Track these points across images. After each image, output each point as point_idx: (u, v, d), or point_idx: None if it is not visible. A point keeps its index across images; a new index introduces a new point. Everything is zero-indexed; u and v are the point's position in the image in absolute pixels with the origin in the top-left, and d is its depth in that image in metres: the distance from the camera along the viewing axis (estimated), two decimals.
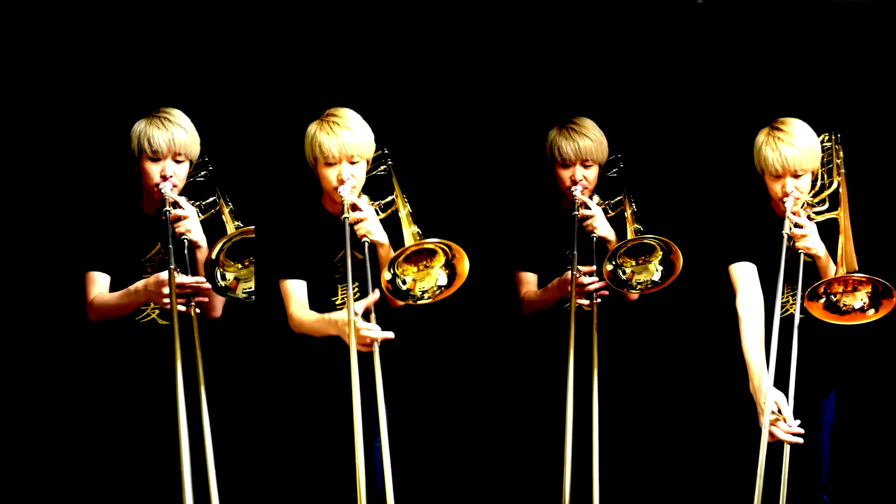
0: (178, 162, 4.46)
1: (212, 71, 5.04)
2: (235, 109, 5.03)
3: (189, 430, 4.19)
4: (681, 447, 5.21)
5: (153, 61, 5.00)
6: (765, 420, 4.39)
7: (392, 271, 4.35)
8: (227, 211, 4.47)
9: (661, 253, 4.65)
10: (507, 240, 4.94)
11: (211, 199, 4.53)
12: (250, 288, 4.34)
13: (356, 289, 4.41)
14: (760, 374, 4.44)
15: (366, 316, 4.37)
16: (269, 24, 5.09)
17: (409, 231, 4.41)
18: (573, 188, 4.82)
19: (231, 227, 4.39)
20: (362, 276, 4.40)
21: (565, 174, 4.85)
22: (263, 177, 5.01)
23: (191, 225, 4.40)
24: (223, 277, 4.30)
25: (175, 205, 4.40)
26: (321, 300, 4.53)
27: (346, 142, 4.44)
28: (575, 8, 5.21)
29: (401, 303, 4.45)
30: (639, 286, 4.70)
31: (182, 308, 4.31)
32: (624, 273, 4.69)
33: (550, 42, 5.22)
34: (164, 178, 4.43)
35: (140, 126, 4.48)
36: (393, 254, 4.39)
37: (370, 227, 4.43)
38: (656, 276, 4.68)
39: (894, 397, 5.26)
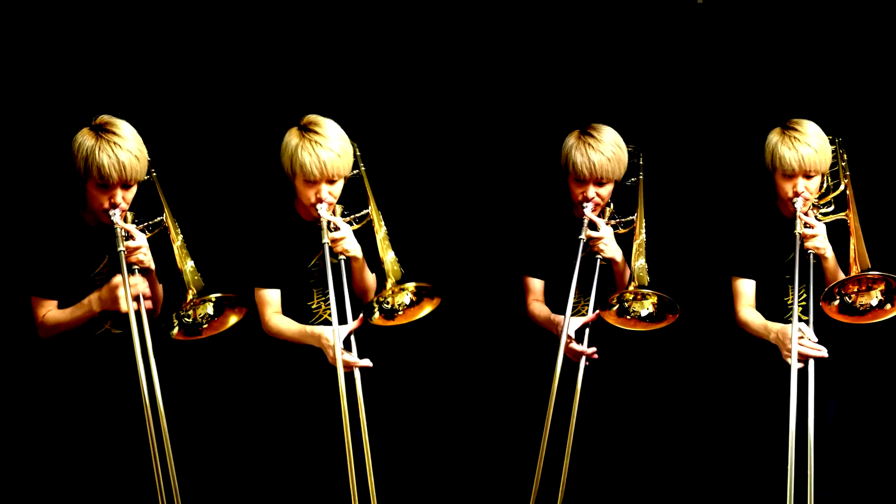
0: (126, 188, 4.32)
1: (179, 75, 5.02)
2: (207, 115, 5.02)
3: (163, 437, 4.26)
4: (684, 447, 5.24)
5: (118, 68, 4.97)
6: (793, 348, 4.49)
7: (375, 306, 4.47)
8: (174, 230, 4.44)
9: (656, 299, 4.58)
10: (517, 244, 4.83)
11: (158, 219, 4.44)
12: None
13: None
14: (769, 324, 4.60)
15: (346, 340, 4.46)
16: (260, 25, 5.09)
17: (387, 261, 4.49)
18: (584, 205, 4.66)
19: (177, 242, 4.40)
20: (338, 285, 4.47)
21: (577, 190, 4.68)
22: (236, 183, 5.01)
23: (143, 256, 4.33)
24: (196, 317, 4.37)
25: (128, 237, 4.30)
26: (297, 305, 4.58)
27: (327, 163, 4.44)
28: (575, 8, 5.20)
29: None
30: (633, 314, 4.60)
31: (135, 307, 4.27)
32: (626, 303, 4.60)
33: (550, 42, 5.21)
34: (114, 205, 4.31)
35: (87, 145, 4.27)
36: (367, 274, 4.54)
37: (347, 245, 4.48)
38: (644, 312, 4.60)
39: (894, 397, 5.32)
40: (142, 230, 4.35)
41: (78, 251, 4.39)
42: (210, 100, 5.04)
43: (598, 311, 4.54)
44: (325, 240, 4.42)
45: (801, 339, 4.51)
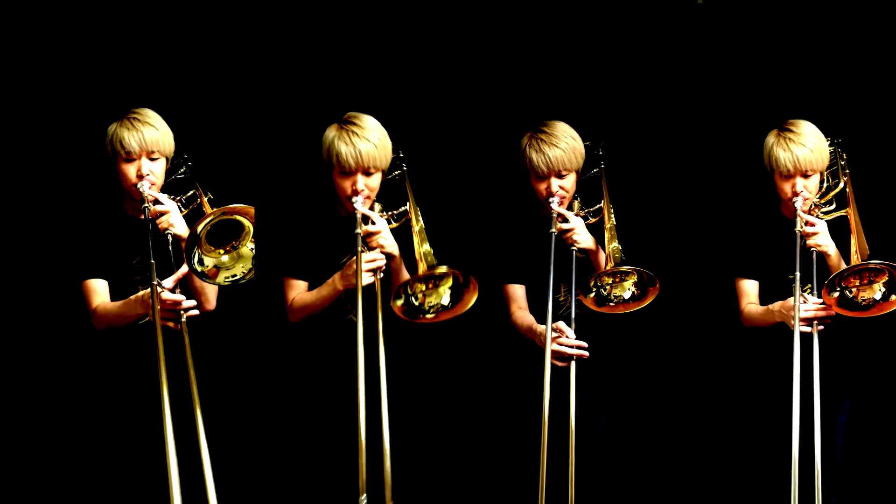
0: (152, 160, 4.47)
1: (228, 70, 5.10)
2: (255, 108, 5.09)
3: (182, 430, 4.27)
4: (688, 448, 5.22)
5: (154, 64, 5.06)
6: (795, 314, 4.52)
7: (403, 295, 4.41)
8: (206, 201, 4.46)
9: (636, 277, 4.56)
10: (492, 252, 4.80)
11: (191, 192, 4.52)
12: (234, 276, 4.35)
13: None
14: (769, 306, 4.63)
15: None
16: (275, 26, 5.13)
17: (421, 251, 4.45)
18: (550, 200, 4.65)
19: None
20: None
21: (541, 186, 4.67)
22: (282, 178, 5.06)
23: (173, 219, 4.40)
24: (201, 262, 4.31)
25: (155, 202, 4.41)
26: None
27: (363, 152, 4.48)
28: (575, 8, 5.20)
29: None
30: (616, 299, 4.58)
31: (171, 324, 4.36)
32: (604, 290, 4.58)
33: (549, 42, 5.21)
34: (141, 176, 4.44)
35: (111, 129, 4.49)
36: (403, 274, 4.49)
37: (382, 240, 4.48)
38: (626, 294, 4.58)
39: None
40: (176, 202, 4.45)
41: (120, 239, 4.51)
42: (265, 102, 5.13)
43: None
44: (359, 230, 4.43)
45: (803, 305, 4.53)
